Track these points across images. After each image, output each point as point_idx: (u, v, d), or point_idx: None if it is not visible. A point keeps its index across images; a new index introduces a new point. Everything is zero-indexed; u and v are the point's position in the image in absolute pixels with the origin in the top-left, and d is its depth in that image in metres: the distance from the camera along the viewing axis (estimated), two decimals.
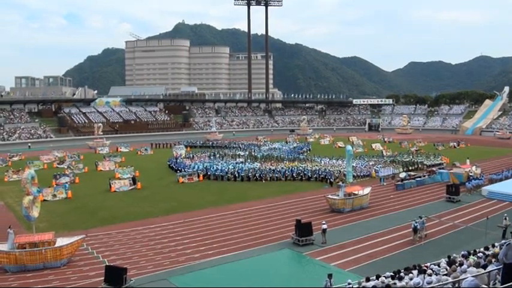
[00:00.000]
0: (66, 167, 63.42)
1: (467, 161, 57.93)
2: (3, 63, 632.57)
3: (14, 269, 24.96)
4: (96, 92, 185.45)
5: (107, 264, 24.21)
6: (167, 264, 25.52)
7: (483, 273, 13.29)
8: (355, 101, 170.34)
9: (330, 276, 19.13)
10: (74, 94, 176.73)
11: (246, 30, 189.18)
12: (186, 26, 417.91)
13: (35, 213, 27.55)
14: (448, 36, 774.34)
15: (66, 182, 50.59)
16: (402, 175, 51.87)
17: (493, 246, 19.78)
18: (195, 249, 28.08)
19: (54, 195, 44.27)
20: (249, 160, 64.27)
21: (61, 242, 26.32)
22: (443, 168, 55.87)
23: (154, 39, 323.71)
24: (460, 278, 13.43)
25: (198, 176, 54.35)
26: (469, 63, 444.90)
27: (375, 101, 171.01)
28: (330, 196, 38.83)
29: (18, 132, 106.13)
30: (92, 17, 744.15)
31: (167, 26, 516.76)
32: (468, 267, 14.49)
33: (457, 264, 15.56)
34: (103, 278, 22.06)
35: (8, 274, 24.64)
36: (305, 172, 54.28)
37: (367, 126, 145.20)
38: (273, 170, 55.30)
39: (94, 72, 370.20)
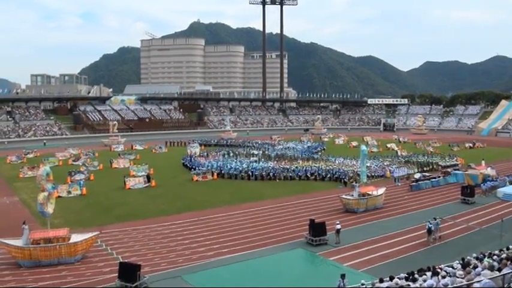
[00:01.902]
0: (81, 164, 63.94)
1: (483, 162, 57.34)
2: (20, 61, 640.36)
3: (28, 264, 25.21)
4: (111, 90, 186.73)
5: (121, 260, 24.34)
6: (181, 262, 25.61)
7: (497, 276, 13.21)
8: (370, 101, 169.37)
9: (343, 276, 19.09)
10: (89, 92, 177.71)
11: (261, 29, 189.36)
12: (201, 24, 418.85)
13: (50, 209, 27.77)
14: (464, 35, 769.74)
15: (81, 179, 50.91)
16: (417, 176, 51.57)
17: (508, 248, 19.60)
18: (208, 248, 28.15)
19: (69, 192, 44.63)
20: (262, 159, 64.26)
21: (75, 238, 26.51)
22: (458, 169, 55.43)
23: (169, 38, 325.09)
24: (474, 280, 13.36)
25: (212, 175, 54.44)
26: (485, 63, 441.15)
27: (390, 101, 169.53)
28: (344, 196, 38.72)
29: (33, 129, 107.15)
30: (108, 16, 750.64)
31: (182, 25, 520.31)
32: (482, 269, 14.41)
33: (471, 267, 15.46)
34: (117, 274, 22.21)
35: (23, 269, 24.88)
36: (319, 172, 54.16)
37: (381, 126, 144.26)
38: (287, 169, 55.25)
39: (109, 70, 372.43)
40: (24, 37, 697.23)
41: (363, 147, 43.31)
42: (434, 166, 60.58)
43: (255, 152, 74.27)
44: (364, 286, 17.47)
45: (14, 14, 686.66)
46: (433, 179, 50.07)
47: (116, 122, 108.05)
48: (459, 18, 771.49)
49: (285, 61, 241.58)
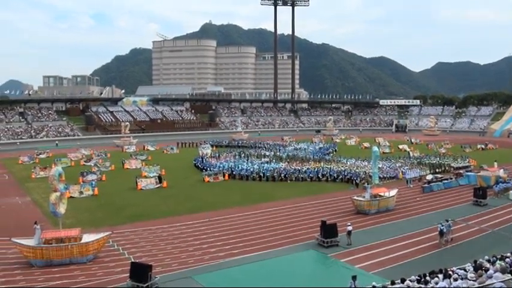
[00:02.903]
0: (93, 164, 64.25)
1: (495, 163, 56.86)
2: (32, 62, 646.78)
3: (40, 263, 25.37)
4: (123, 91, 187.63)
5: (133, 260, 24.42)
6: (192, 263, 25.65)
7: (509, 279, 13.11)
8: (381, 102, 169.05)
9: (354, 278, 19.01)
10: (101, 93, 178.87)
11: (273, 30, 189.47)
12: (213, 26, 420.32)
13: (62, 209, 27.96)
14: (477, 36, 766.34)
15: (93, 180, 51.17)
16: (429, 177, 51.22)
17: None
18: (219, 248, 28.18)
19: (81, 192, 44.90)
20: (274, 160, 64.19)
21: (87, 238, 26.65)
22: (470, 171, 55.03)
23: (181, 39, 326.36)
24: (486, 283, 13.27)
25: (224, 176, 54.50)
26: (497, 63, 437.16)
27: (402, 102, 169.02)
28: (355, 197, 38.60)
29: (45, 130, 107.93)
30: (120, 17, 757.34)
31: (194, 26, 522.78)
32: (494, 272, 14.29)
33: (483, 269, 15.35)
34: (128, 274, 22.28)
35: (34, 268, 25.04)
36: (331, 173, 54.00)
37: (394, 127, 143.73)
38: (299, 171, 55.14)
39: (121, 71, 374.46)
40: (37, 38, 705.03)
41: (375, 148, 43.08)
42: (447, 167, 60.18)
43: (267, 153, 74.25)
44: None
45: (26, 14, 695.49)
46: (445, 181, 49.76)
47: (128, 123, 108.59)
48: (471, 18, 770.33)
49: (297, 62, 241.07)
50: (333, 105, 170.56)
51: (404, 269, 22.89)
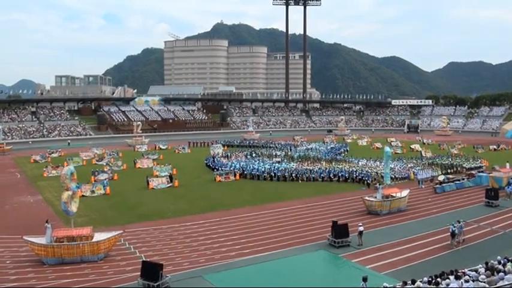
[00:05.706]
0: (105, 164, 64.53)
1: (507, 164, 56.38)
2: (44, 62, 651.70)
3: (51, 261, 25.55)
4: (135, 91, 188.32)
5: (144, 259, 24.51)
6: (203, 262, 25.68)
7: None
8: (393, 102, 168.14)
9: (365, 279, 18.92)
10: (113, 93, 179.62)
11: (284, 30, 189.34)
12: (225, 26, 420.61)
13: (74, 208, 28.08)
14: (489, 35, 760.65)
15: (105, 179, 51.37)
16: (441, 178, 50.88)
17: None
18: (230, 248, 28.21)
19: (93, 191, 45.14)
20: (285, 160, 64.10)
21: (99, 236, 26.77)
22: (482, 172, 54.63)
23: (193, 39, 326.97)
24: (498, 285, 13.20)
25: (235, 175, 54.52)
26: (510, 63, 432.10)
27: (414, 102, 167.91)
28: (367, 198, 38.43)
29: (58, 129, 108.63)
30: (131, 17, 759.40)
31: (206, 26, 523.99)
32: (506, 274, 14.20)
33: (495, 271, 15.25)
34: (139, 273, 22.35)
35: (45, 267, 25.20)
36: (342, 173, 53.84)
37: (406, 127, 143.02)
38: (310, 171, 55.01)
39: (133, 71, 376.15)
40: (49, 38, 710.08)
41: (387, 148, 42.82)
42: (459, 168, 59.81)
43: (278, 152, 74.14)
44: None
45: (37, 15, 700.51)
46: (457, 182, 49.45)
47: (139, 122, 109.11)
48: (484, 18, 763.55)
49: (308, 62, 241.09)
50: (345, 105, 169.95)
51: (416, 270, 22.81)
